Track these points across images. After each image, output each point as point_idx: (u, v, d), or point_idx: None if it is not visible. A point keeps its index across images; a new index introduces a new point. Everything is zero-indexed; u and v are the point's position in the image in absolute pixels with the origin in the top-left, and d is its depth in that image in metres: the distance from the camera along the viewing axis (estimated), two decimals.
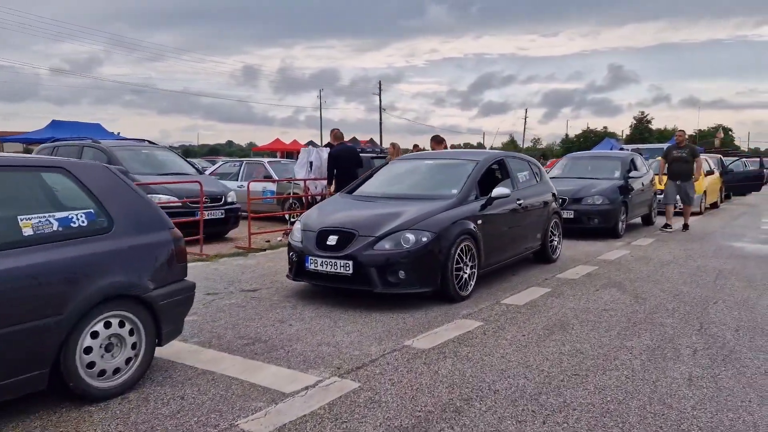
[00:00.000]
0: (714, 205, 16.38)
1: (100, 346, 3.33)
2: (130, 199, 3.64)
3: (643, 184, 11.48)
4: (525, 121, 76.54)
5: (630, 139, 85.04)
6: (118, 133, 34.65)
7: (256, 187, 12.46)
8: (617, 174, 10.97)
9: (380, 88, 55.18)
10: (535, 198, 7.41)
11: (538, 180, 7.79)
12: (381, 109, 54.71)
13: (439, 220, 5.60)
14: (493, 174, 7.05)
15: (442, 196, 6.07)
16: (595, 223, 10.08)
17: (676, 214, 11.86)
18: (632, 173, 10.98)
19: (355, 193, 6.73)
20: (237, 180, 12.85)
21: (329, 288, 5.83)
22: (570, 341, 4.51)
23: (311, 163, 9.89)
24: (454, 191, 6.14)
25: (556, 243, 7.94)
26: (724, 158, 20.69)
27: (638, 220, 12.25)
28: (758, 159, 21.35)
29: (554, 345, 4.41)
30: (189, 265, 7.72)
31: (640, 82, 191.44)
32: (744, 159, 25.40)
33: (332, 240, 5.49)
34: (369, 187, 6.80)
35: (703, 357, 4.17)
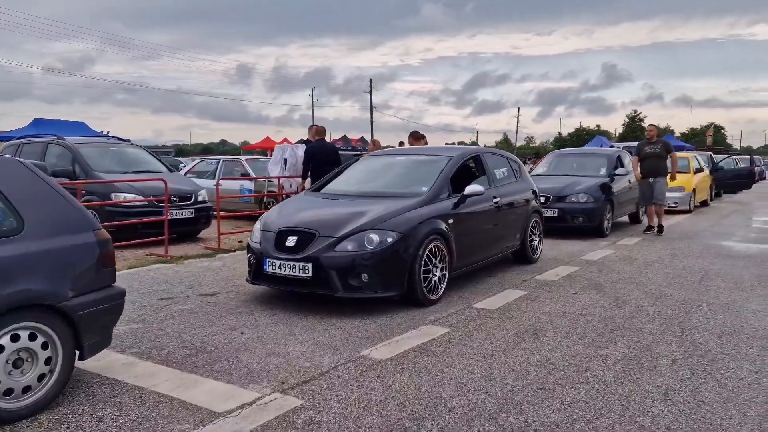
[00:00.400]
0: (704, 203, 16.12)
1: (7, 362, 2.97)
2: (45, 197, 3.28)
3: (629, 182, 11.16)
4: (518, 120, 76.13)
5: (623, 138, 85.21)
6: (107, 132, 34.17)
7: (234, 185, 12.11)
8: (603, 171, 10.66)
9: (371, 86, 54.85)
10: (513, 196, 7.08)
11: (518, 177, 7.46)
12: (372, 107, 54.38)
13: (407, 220, 5.26)
14: (468, 171, 6.72)
15: (412, 194, 5.73)
16: (580, 222, 9.77)
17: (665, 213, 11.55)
18: (618, 171, 10.67)
19: (322, 191, 6.38)
20: (214, 178, 12.48)
21: (289, 292, 5.49)
22: (540, 350, 4.18)
23: (286, 160, 9.53)
24: (425, 189, 5.80)
25: (536, 243, 7.61)
26: (714, 156, 20.46)
27: (626, 218, 11.96)
28: (748, 157, 21.08)
29: (523, 354, 4.08)
30: (151, 267, 7.46)
31: (634, 80, 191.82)
32: (735, 157, 25.22)
33: (291, 241, 5.14)
34: (337, 185, 6.45)
35: (682, 367, 3.85)
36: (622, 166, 11.11)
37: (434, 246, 5.38)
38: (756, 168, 32.99)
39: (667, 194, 13.84)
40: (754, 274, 6.87)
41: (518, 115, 76.95)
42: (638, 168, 10.31)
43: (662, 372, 3.76)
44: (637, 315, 5.13)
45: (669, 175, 10.33)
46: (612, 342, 4.37)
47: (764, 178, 37.25)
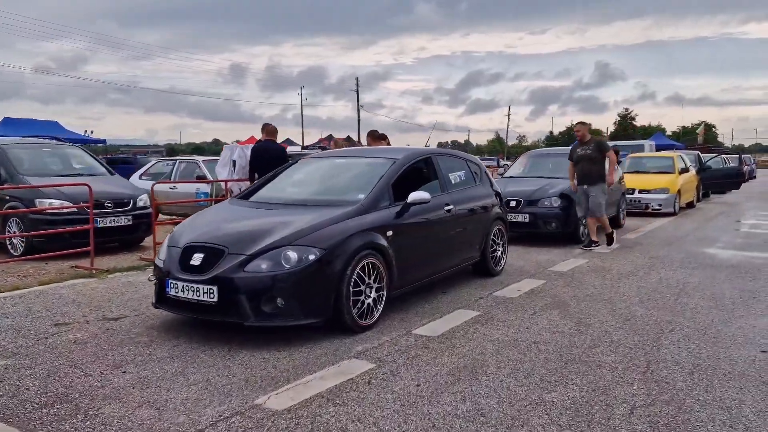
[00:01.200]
0: (690, 205, 15.48)
1: None
2: None
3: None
4: (508, 118, 75.63)
5: (614, 136, 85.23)
6: (91, 132, 33.26)
7: (191, 188, 11.36)
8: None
9: (357, 84, 54.01)
10: (471, 202, 6.37)
11: (478, 181, 6.76)
12: (359, 106, 53.60)
13: (334, 233, 4.54)
14: (417, 175, 6.00)
15: (345, 203, 5.00)
16: (553, 228, 9.08)
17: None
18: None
19: (250, 199, 5.64)
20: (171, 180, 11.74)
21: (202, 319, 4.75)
22: (474, 395, 3.47)
23: (234, 162, 8.79)
24: (361, 196, 5.08)
25: (499, 254, 6.91)
26: (702, 155, 19.86)
27: None
28: (737, 156, 20.46)
29: (452, 401, 3.37)
30: (67, 283, 6.63)
31: (627, 79, 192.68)
32: (724, 155, 24.66)
33: (197, 259, 4.41)
34: (267, 191, 5.72)
35: (640, 420, 3.15)
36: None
37: (368, 263, 4.67)
38: (745, 167, 32.56)
39: (651, 196, 13.25)
40: (736, 289, 6.19)
41: (509, 114, 76.46)
42: (573, 176, 8.91)
43: (615, 426, 3.06)
44: (599, 343, 4.43)
45: (608, 181, 8.75)
46: (563, 382, 3.66)
47: (754, 177, 36.82)
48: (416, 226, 5.35)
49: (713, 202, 17.90)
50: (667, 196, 13.26)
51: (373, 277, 4.72)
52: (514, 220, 9.13)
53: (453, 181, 6.22)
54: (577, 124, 9.29)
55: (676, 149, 31.01)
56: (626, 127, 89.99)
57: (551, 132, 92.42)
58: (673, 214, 13.48)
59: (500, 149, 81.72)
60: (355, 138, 52.56)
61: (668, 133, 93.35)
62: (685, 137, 76.69)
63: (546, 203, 9.11)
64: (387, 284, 4.87)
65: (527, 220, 9.07)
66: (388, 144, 9.19)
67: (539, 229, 9.10)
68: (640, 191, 13.39)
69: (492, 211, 6.76)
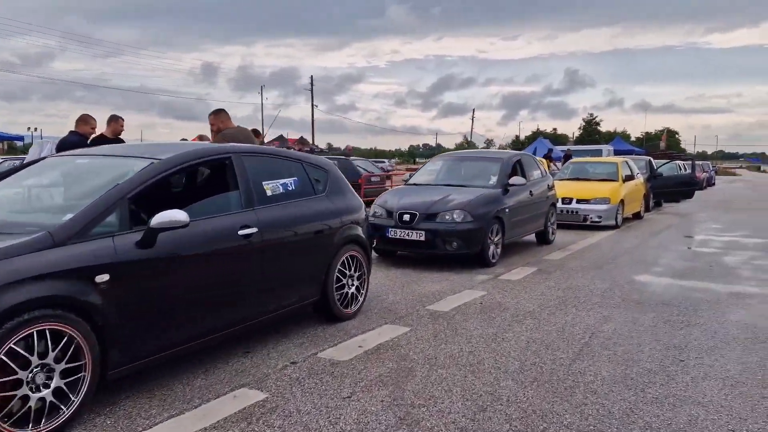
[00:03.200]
0: (637, 216, 13.95)
1: None
2: None
3: (531, 193, 8.83)
4: (472, 121, 73.77)
5: (579, 141, 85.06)
6: (35, 129, 30.68)
7: None
8: (493, 181, 8.28)
9: (312, 83, 51.92)
10: (303, 224, 4.57)
11: (320, 191, 4.95)
12: (313, 105, 51.52)
13: None
14: (201, 184, 4.18)
15: (33, 229, 3.13)
16: (454, 248, 7.34)
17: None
18: (514, 179, 8.29)
19: None
20: None
21: None
22: None
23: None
24: (66, 219, 3.22)
25: (351, 291, 5.10)
26: (654, 161, 18.50)
27: (532, 237, 9.64)
28: (690, 162, 19.09)
29: None
30: None
31: (595, 86, 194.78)
32: (680, 162, 23.45)
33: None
34: None
35: None
36: (522, 173, 8.77)
37: (46, 329, 2.82)
38: (703, 174, 31.60)
39: (590, 207, 11.68)
40: (660, 344, 4.52)
41: (473, 117, 74.68)
42: None
43: None
44: None
45: None
46: None
47: (713, 185, 36.01)
48: (171, 262, 3.50)
49: (664, 213, 16.47)
50: (607, 207, 11.68)
51: (61, 355, 2.88)
52: (407, 238, 7.40)
53: (270, 192, 4.40)
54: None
55: (636, 154, 29.89)
56: (591, 132, 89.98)
57: (517, 136, 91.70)
58: (615, 226, 11.93)
59: None
60: (309, 139, 50.60)
61: (632, 138, 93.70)
62: (648, 143, 76.63)
63: (447, 217, 7.37)
64: (96, 364, 3.03)
65: (423, 238, 7.32)
66: (261, 143, 7.39)
67: (438, 249, 7.36)
68: (578, 201, 11.80)
69: (342, 233, 4.95)
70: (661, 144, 58.16)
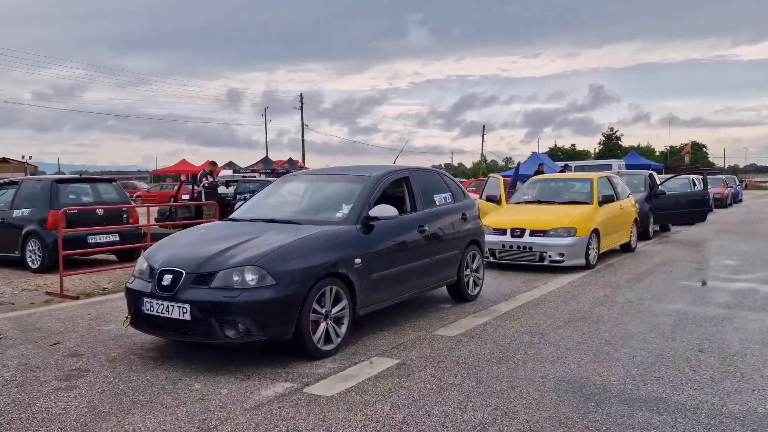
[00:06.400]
0: (626, 248, 10.61)
1: None
2: None
3: (423, 229, 5.67)
4: (483, 139, 70.26)
5: (599, 156, 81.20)
6: (30, 157, 28.79)
7: None
8: (342, 212, 5.14)
9: (302, 101, 49.31)
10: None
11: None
12: (303, 125, 48.89)
13: None
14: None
15: None
16: (241, 335, 4.23)
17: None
18: (378, 210, 5.11)
19: None
20: None
21: None
22: None
23: None
24: None
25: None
26: (657, 175, 15.13)
27: (444, 289, 6.47)
28: (701, 176, 15.56)
29: None
30: None
31: (621, 101, 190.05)
32: (695, 176, 19.91)
33: None
34: None
35: None
36: (411, 198, 5.64)
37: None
38: (727, 189, 27.79)
39: (547, 241, 8.49)
40: None
41: (483, 134, 71.13)
42: None
43: None
44: None
45: None
46: None
47: (740, 201, 32.06)
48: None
49: (668, 241, 13.02)
50: (571, 241, 8.40)
51: None
52: (165, 315, 4.35)
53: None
54: None
55: (653, 169, 26.37)
56: (611, 147, 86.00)
57: (533, 153, 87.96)
58: (587, 266, 8.65)
59: (486, 172, 77.03)
60: (300, 160, 47.98)
61: (657, 153, 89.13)
62: (673, 157, 72.28)
63: (230, 280, 4.28)
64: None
65: (188, 316, 4.24)
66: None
67: (212, 336, 4.26)
68: (533, 233, 8.57)
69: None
70: (686, 158, 54.19)
